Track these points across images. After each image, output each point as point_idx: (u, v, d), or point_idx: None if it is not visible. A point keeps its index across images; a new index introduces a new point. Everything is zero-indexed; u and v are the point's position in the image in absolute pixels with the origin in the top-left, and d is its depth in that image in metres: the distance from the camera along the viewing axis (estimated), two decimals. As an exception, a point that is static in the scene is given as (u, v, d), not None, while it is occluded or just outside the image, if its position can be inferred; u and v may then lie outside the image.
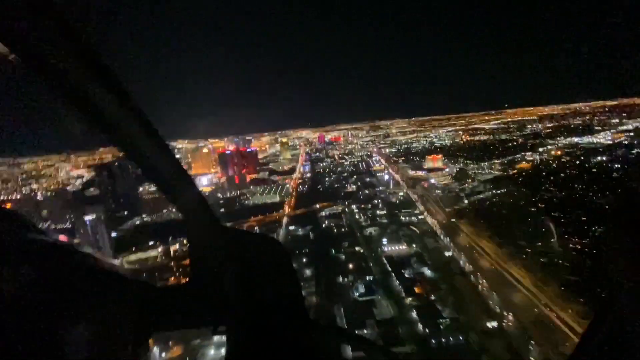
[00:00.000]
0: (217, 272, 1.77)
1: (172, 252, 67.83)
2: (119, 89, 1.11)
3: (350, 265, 54.88)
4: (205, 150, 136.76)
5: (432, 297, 45.66)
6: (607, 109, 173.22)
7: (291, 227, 72.92)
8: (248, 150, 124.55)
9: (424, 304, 44.37)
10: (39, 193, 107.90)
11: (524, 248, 54.40)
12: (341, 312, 44.20)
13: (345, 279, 51.29)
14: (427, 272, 51.61)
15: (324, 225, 72.69)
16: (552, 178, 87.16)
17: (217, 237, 1.83)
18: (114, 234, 78.88)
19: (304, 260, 57.02)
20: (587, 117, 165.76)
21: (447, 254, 56.44)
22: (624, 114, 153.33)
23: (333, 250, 60.32)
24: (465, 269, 51.91)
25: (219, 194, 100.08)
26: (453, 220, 68.38)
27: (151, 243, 71.28)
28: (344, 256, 58.49)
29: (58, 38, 0.94)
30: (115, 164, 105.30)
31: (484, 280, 47.84)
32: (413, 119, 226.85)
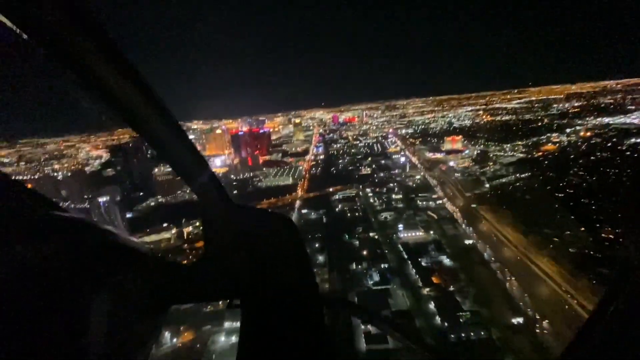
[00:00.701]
0: (230, 248, 1.81)
1: (185, 235, 67.01)
2: (133, 71, 1.13)
3: (365, 252, 52.37)
4: (218, 131, 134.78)
5: (451, 288, 42.85)
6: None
7: (304, 211, 70.68)
8: (261, 131, 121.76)
9: (443, 295, 41.65)
10: (59, 173, 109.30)
11: (551, 237, 50.45)
12: (354, 301, 42.05)
13: (359, 266, 48.92)
14: (446, 260, 48.60)
15: (337, 209, 70.07)
16: (580, 161, 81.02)
17: (229, 215, 1.85)
18: (129, 215, 78.82)
19: (317, 245, 54.90)
20: (619, 96, 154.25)
21: (467, 242, 53.05)
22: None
23: (347, 236, 57.85)
24: (486, 258, 48.59)
25: (232, 176, 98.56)
26: (473, 205, 64.45)
27: (165, 225, 70.56)
28: (357, 242, 55.96)
29: (71, 20, 0.96)
30: (130, 145, 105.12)
31: (508, 271, 44.58)
32: (430, 98, 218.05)
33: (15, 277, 0.84)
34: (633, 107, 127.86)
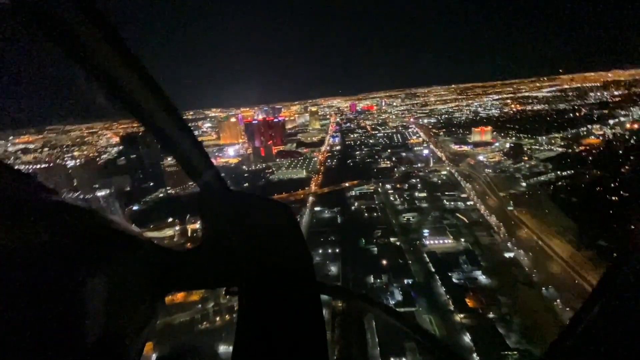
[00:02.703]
0: (227, 235, 1.79)
1: (189, 232, 60.59)
2: (138, 65, 1.14)
3: (384, 261, 44.17)
4: (233, 119, 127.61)
5: (491, 315, 34.28)
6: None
7: (317, 208, 62.79)
8: (275, 120, 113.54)
9: (481, 324, 33.18)
10: (75, 162, 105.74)
11: (608, 250, 40.58)
12: (372, 325, 34.21)
13: (378, 280, 40.88)
14: (482, 277, 39.84)
15: (353, 208, 61.75)
16: (632, 157, 68.83)
17: (226, 202, 1.85)
18: (136, 207, 73.43)
19: (329, 251, 47.11)
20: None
21: (506, 254, 43.80)
22: None
23: (363, 240, 49.64)
24: (532, 276, 39.44)
25: (244, 166, 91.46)
26: (510, 208, 54.65)
27: (170, 220, 64.35)
28: (376, 248, 47.75)
29: (78, 13, 0.96)
30: (141, 134, 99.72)
31: (560, 295, 35.47)
32: (453, 86, 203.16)
33: (7, 262, 0.83)
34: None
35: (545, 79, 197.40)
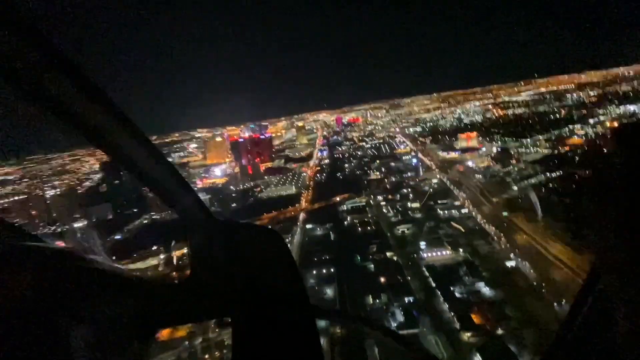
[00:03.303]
0: (216, 266, 1.74)
1: (175, 260, 56.83)
2: (94, 89, 1.03)
3: (382, 279, 41.70)
4: (218, 138, 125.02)
5: (500, 331, 32.00)
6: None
7: (308, 226, 60.20)
8: (262, 136, 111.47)
9: (490, 342, 30.81)
10: (54, 191, 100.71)
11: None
12: (374, 353, 31.43)
13: (377, 300, 38.31)
14: (485, 289, 37.74)
15: (346, 223, 59.43)
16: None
17: (213, 232, 1.78)
18: (118, 237, 69.27)
19: (324, 271, 44.39)
20: (635, 82, 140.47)
21: (507, 263, 41.92)
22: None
23: (359, 257, 47.18)
24: (537, 285, 37.53)
25: (231, 186, 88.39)
26: (505, 213, 53.26)
27: (155, 248, 60.55)
28: (372, 265, 45.30)
29: (24, 44, 0.87)
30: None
31: (568, 303, 33.50)
32: (434, 94, 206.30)
33: None
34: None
35: (523, 83, 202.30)
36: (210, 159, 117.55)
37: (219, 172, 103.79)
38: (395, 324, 34.65)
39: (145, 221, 77.07)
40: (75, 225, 62.96)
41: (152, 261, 56.12)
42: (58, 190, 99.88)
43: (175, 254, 59.12)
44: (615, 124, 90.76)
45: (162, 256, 57.33)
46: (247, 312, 1.68)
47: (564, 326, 1.20)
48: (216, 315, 1.82)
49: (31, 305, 0.87)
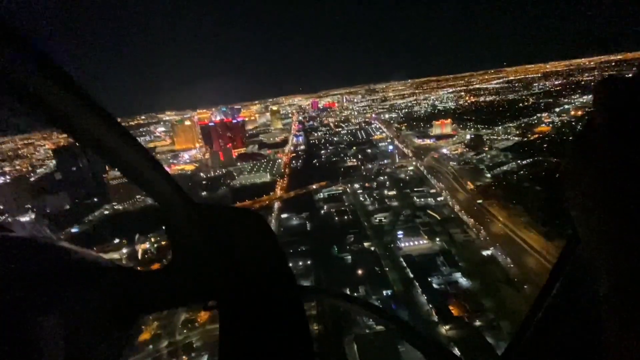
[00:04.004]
0: (198, 250, 1.71)
1: (140, 254, 52.60)
2: (57, 69, 0.93)
3: (360, 271, 40.22)
4: (187, 122, 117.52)
5: (478, 323, 31.52)
6: (613, 64, 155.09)
7: (284, 215, 57.53)
8: (234, 121, 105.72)
9: (468, 334, 30.21)
10: (4, 179, 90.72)
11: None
12: (354, 350, 30.02)
13: (355, 294, 36.67)
14: (462, 280, 37.19)
15: (322, 212, 57.32)
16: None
17: (193, 216, 1.70)
18: (75, 229, 63.16)
19: (300, 264, 42.25)
20: (596, 73, 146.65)
21: (483, 252, 41.67)
22: (633, 68, 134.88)
23: (336, 248, 45.39)
24: (512, 274, 37.49)
25: (201, 174, 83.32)
26: (479, 201, 53.27)
27: (116, 241, 55.70)
28: (350, 256, 43.68)
29: None
30: (77, 145, 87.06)
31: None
32: (409, 80, 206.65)
33: None
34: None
35: (492, 71, 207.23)
36: (178, 144, 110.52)
37: (189, 158, 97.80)
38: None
39: (106, 212, 70.89)
40: (24, 217, 56.31)
41: (114, 255, 51.38)
42: (7, 177, 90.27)
43: (140, 247, 54.84)
44: (580, 113, 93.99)
45: (124, 250, 52.78)
46: (233, 295, 1.65)
47: (540, 295, 1.13)
48: (200, 299, 1.76)
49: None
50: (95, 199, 76.70)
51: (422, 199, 56.43)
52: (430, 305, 33.89)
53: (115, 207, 72.37)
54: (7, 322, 0.82)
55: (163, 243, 57.60)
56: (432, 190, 59.19)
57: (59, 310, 0.98)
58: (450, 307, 33.34)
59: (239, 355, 1.49)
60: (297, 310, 1.68)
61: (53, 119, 1.01)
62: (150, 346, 33.48)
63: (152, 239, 58.29)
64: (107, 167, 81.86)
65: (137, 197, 73.20)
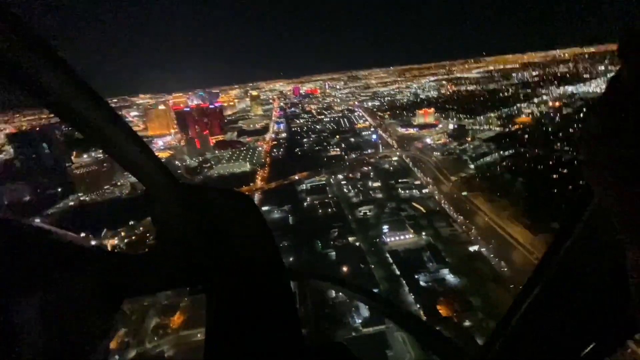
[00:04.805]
0: (184, 232, 1.66)
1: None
2: (42, 43, 0.89)
3: (344, 268, 38.10)
4: (161, 107, 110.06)
5: (467, 323, 30.23)
6: (587, 56, 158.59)
7: (265, 208, 54.25)
8: (211, 106, 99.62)
9: (458, 336, 28.78)
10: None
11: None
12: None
13: (340, 294, 34.59)
14: (450, 277, 35.81)
15: (305, 204, 54.56)
16: (561, 135, 71.58)
17: (179, 197, 1.66)
18: (36, 222, 57.16)
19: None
20: (571, 65, 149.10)
21: (470, 247, 40.46)
22: (605, 61, 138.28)
23: (319, 244, 42.99)
24: (499, 270, 36.48)
25: (176, 162, 77.94)
26: (464, 193, 52.14)
27: (82, 236, 50.40)
28: (334, 252, 41.43)
29: None
30: (39, 129, 79.22)
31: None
32: (391, 68, 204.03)
33: None
34: (588, 76, 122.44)
35: (472, 61, 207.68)
36: (152, 130, 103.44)
37: (162, 144, 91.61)
38: (360, 320, 31.47)
39: (71, 204, 64.89)
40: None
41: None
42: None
43: (109, 242, 50.45)
44: (557, 104, 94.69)
45: (89, 247, 48.17)
46: (220, 278, 1.61)
47: (526, 288, 1.07)
48: (187, 282, 1.72)
49: None
50: (59, 189, 70.15)
51: (407, 191, 54.72)
52: (418, 305, 32.29)
53: (81, 199, 66.43)
54: None
55: (134, 238, 53.31)
56: (417, 182, 57.58)
57: (42, 292, 0.98)
58: (438, 307, 31.87)
59: (227, 340, 1.44)
60: (286, 294, 1.62)
61: (37, 94, 0.96)
62: (117, 356, 30.08)
63: (122, 234, 53.86)
64: (71, 155, 75.21)
65: (106, 187, 67.54)
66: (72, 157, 72.89)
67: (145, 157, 1.38)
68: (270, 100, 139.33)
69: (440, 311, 31.41)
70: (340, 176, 62.26)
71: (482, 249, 39.61)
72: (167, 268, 1.64)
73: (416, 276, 35.82)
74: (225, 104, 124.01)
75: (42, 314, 0.95)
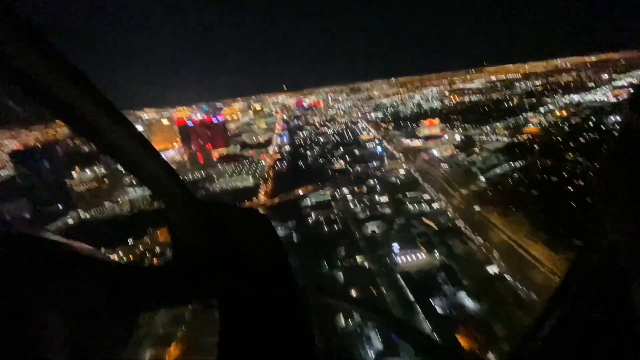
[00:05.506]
0: (200, 248, 1.68)
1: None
2: (59, 58, 0.88)
3: (353, 292, 35.08)
4: (164, 121, 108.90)
5: (491, 357, 27.00)
6: (588, 65, 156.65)
7: (268, 225, 51.52)
8: (214, 120, 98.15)
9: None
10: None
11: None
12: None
13: (350, 320, 31.59)
14: (468, 302, 32.67)
15: (310, 221, 51.83)
16: (572, 144, 68.70)
17: (196, 214, 1.67)
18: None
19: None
20: (574, 74, 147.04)
21: (488, 268, 37.34)
22: (609, 69, 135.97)
23: (326, 264, 40.12)
24: (522, 294, 33.27)
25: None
26: (477, 208, 49.18)
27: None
28: (342, 274, 38.50)
29: None
30: (40, 147, 77.90)
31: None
32: (393, 79, 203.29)
33: None
34: (593, 85, 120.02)
35: (474, 71, 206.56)
36: (155, 144, 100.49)
37: (165, 159, 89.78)
38: (373, 352, 28.35)
39: (70, 221, 62.79)
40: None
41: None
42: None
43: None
44: (565, 113, 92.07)
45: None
46: (233, 294, 1.62)
47: (550, 303, 1.08)
48: (201, 297, 1.75)
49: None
50: (59, 206, 68.10)
51: (416, 206, 51.86)
52: (435, 335, 29.10)
53: (80, 216, 64.28)
54: (8, 317, 0.81)
55: (131, 257, 50.87)
56: (426, 196, 54.74)
57: (58, 306, 0.96)
58: (458, 337, 28.71)
59: (239, 355, 1.44)
60: (299, 312, 1.60)
61: (55, 108, 0.94)
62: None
63: (121, 252, 51.45)
64: (72, 171, 73.45)
65: (106, 204, 65.39)
66: (74, 173, 70.97)
67: (162, 172, 1.38)
68: (274, 113, 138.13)
69: (460, 342, 28.20)
70: (345, 190, 59.60)
71: (500, 269, 36.43)
72: (182, 283, 1.62)
73: (431, 301, 32.73)
74: (229, 117, 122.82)
75: (63, 326, 0.94)
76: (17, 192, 71.52)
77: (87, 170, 71.83)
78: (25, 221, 64.75)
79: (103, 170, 72.79)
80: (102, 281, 1.22)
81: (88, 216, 64.25)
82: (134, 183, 65.87)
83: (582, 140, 70.12)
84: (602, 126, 75.98)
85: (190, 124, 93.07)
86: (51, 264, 1.04)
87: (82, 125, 1.02)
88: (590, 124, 79.71)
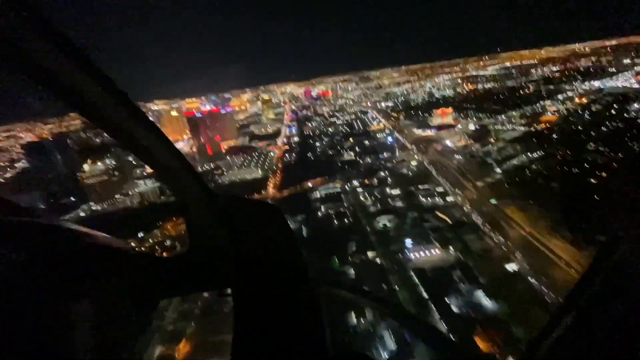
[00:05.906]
0: (215, 238, 1.73)
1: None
2: (79, 53, 0.91)
3: (365, 289, 33.71)
4: (174, 113, 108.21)
5: (511, 361, 25.51)
6: (609, 49, 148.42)
7: (277, 218, 50.43)
8: (222, 111, 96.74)
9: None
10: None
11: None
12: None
13: (362, 320, 30.43)
14: (485, 301, 31.03)
15: (320, 214, 50.48)
16: (593, 134, 64.95)
17: (212, 205, 1.73)
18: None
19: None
20: (593, 59, 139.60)
21: (505, 264, 35.47)
22: (631, 54, 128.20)
23: (336, 260, 38.85)
24: (544, 295, 31.42)
25: (188, 169, 75.06)
26: (493, 201, 46.94)
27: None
28: (353, 270, 37.25)
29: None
30: (52, 140, 78.04)
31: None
32: (403, 67, 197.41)
33: None
34: (614, 70, 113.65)
35: (487, 57, 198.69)
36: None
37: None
38: (386, 353, 27.19)
39: (82, 213, 63.06)
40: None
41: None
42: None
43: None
44: (585, 100, 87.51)
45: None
46: (247, 284, 1.66)
47: (570, 298, 1.08)
48: (216, 286, 1.79)
49: (27, 282, 0.84)
50: (72, 199, 68.43)
51: (429, 199, 49.87)
52: (452, 337, 27.68)
53: (92, 208, 64.46)
54: (40, 307, 0.82)
55: (142, 250, 50.73)
56: (439, 189, 52.57)
57: (87, 295, 1.00)
58: (476, 339, 27.25)
59: (252, 346, 1.47)
60: (312, 303, 1.64)
61: (75, 102, 0.96)
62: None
63: (133, 245, 51.33)
64: (82, 164, 73.49)
65: (117, 196, 65.34)
66: (86, 166, 70.97)
67: (180, 166, 1.39)
68: (282, 104, 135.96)
69: (478, 345, 26.75)
70: (355, 182, 57.89)
71: (520, 266, 34.55)
72: (200, 272, 1.67)
73: (447, 299, 31.23)
74: (237, 108, 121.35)
75: (88, 314, 0.97)
76: (31, 184, 72.19)
77: (99, 163, 71.83)
78: (43, 213, 65.49)
79: (114, 163, 72.85)
80: (126, 270, 1.26)
81: (100, 209, 64.44)
82: (144, 175, 65.58)
83: (603, 129, 66.21)
84: (625, 114, 71.64)
85: (198, 115, 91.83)
86: (81, 255, 1.06)
87: (101, 117, 1.04)
88: (613, 111, 75.26)
